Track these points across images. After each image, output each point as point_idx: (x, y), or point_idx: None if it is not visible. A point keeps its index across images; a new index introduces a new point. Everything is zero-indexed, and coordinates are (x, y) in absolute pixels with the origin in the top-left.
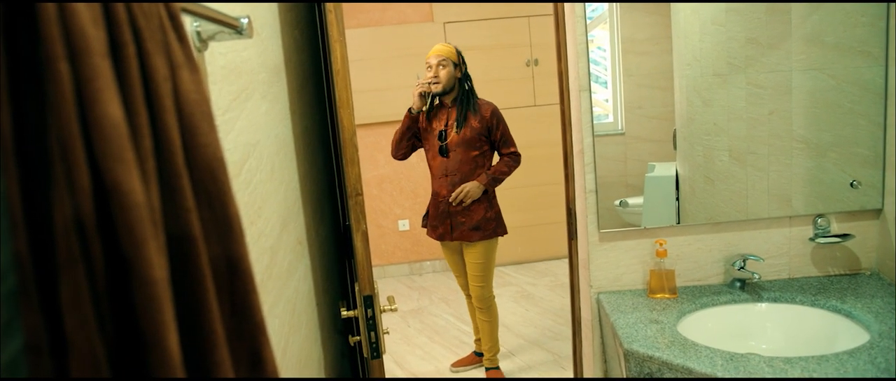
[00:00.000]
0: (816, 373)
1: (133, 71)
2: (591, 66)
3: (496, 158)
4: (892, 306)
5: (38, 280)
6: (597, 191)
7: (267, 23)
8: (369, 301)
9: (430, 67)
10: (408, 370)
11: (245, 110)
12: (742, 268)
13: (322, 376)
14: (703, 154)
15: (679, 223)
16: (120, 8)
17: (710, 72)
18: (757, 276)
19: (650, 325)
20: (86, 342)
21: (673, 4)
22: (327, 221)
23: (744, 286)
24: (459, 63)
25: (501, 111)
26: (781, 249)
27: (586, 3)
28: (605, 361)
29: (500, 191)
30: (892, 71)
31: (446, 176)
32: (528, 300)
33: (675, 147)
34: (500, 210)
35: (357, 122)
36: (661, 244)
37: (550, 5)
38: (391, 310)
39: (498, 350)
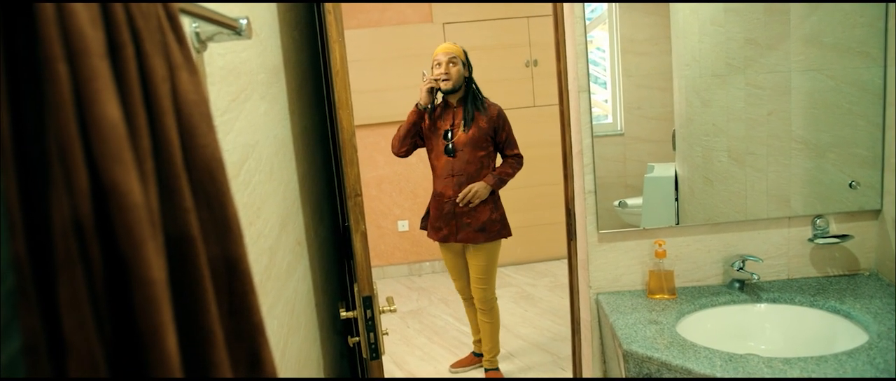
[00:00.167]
0: (815, 374)
1: (131, 72)
2: (591, 66)
3: (497, 160)
4: (891, 307)
5: (36, 281)
6: (596, 192)
7: (266, 23)
8: (368, 302)
9: (439, 63)
10: (407, 370)
11: (244, 111)
12: (741, 269)
13: (321, 376)
14: (702, 155)
15: (678, 224)
16: (118, 9)
17: (708, 72)
18: (756, 276)
19: (649, 326)
20: (84, 342)
21: (672, 5)
22: (326, 221)
23: (743, 287)
24: (467, 62)
25: None
26: (780, 249)
27: (585, 4)
28: (604, 362)
29: (500, 191)
30: (891, 71)
31: (452, 176)
32: (528, 301)
33: (674, 148)
34: (504, 212)
35: (356, 122)
36: (660, 245)
37: (550, 6)
38: (390, 311)
39: (498, 352)
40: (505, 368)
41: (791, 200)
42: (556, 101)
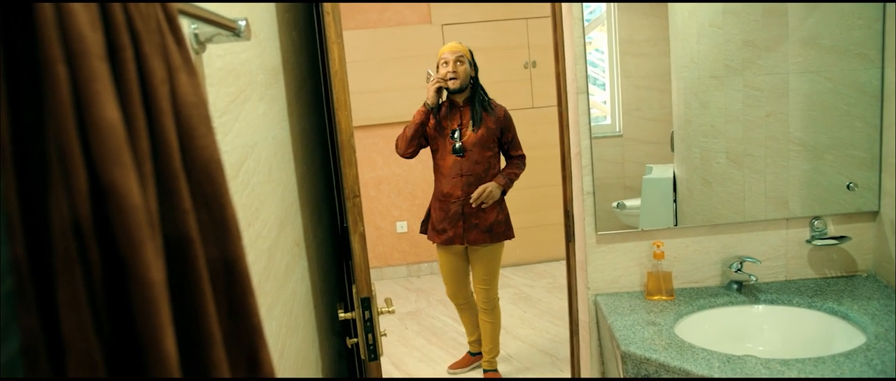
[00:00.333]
0: (813, 375)
1: (131, 73)
2: (589, 67)
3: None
4: (889, 308)
5: (35, 282)
6: (594, 193)
7: (265, 24)
8: (367, 303)
9: (446, 62)
10: (405, 371)
11: (243, 112)
12: (739, 270)
13: (319, 377)
14: (700, 156)
15: (676, 225)
16: (117, 10)
17: (707, 74)
18: (754, 278)
19: (647, 327)
20: (83, 343)
21: (670, 6)
22: (325, 222)
23: (741, 288)
24: (473, 62)
25: None
26: (778, 251)
27: (584, 5)
28: (602, 363)
29: None
30: (889, 73)
31: (461, 176)
32: (526, 302)
33: (672, 149)
34: (509, 214)
35: (355, 123)
36: (658, 246)
37: (548, 7)
38: (389, 312)
39: (498, 353)
40: (503, 369)
41: (789, 201)
42: (555, 102)
